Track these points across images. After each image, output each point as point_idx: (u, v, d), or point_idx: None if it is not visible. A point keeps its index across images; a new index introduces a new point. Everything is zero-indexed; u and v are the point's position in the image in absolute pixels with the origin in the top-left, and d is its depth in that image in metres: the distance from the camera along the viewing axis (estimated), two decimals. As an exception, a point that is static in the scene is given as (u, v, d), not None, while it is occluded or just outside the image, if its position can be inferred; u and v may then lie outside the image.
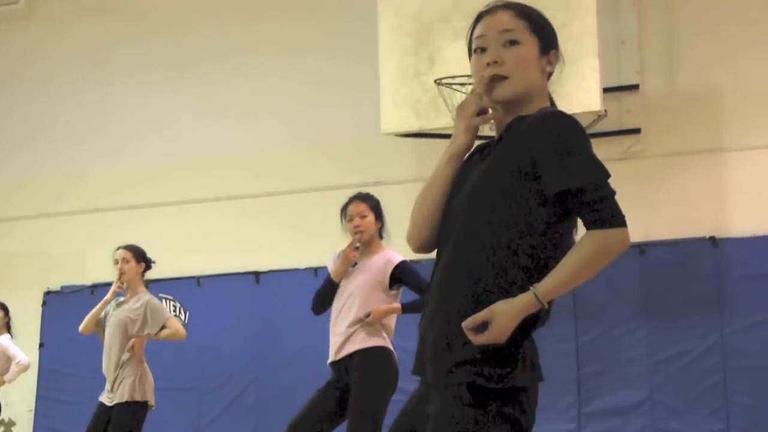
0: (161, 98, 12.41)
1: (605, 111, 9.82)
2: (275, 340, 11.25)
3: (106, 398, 8.56)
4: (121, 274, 8.71)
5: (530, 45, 3.19)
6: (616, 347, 10.29)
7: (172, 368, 10.87)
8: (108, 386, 8.54)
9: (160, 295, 11.83)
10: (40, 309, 12.51)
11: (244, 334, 11.52)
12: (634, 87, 10.63)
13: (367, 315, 6.85)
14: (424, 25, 9.97)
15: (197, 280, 11.85)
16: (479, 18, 3.27)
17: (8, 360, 10.77)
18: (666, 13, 10.80)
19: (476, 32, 3.24)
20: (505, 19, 3.20)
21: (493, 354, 2.94)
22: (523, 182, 3.01)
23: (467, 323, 2.89)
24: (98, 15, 12.87)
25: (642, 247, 10.32)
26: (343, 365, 6.86)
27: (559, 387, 10.09)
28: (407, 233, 3.30)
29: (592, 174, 2.97)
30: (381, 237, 7.14)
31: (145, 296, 8.70)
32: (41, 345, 12.36)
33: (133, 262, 8.76)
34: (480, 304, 2.95)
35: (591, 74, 9.50)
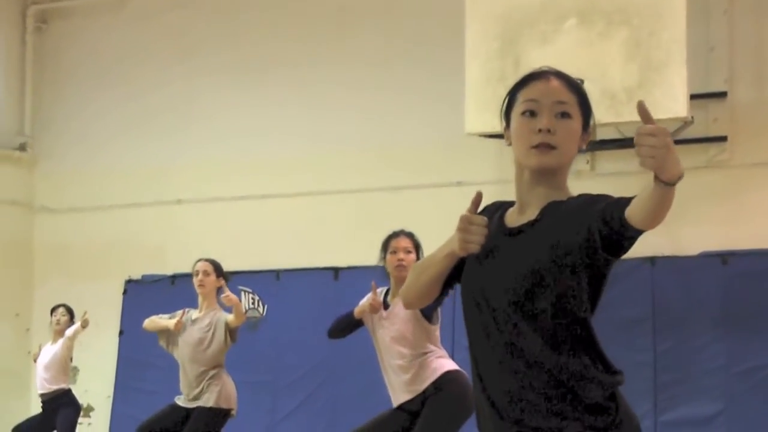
0: (247, 94, 12.48)
1: (692, 118, 9.74)
2: (352, 338, 11.22)
3: (183, 402, 8.64)
4: (200, 286, 8.77)
5: (577, 120, 3.19)
6: (695, 358, 10.18)
7: (248, 361, 10.95)
8: (187, 399, 8.62)
9: (239, 287, 11.93)
10: (120, 297, 12.67)
11: (321, 329, 11.46)
12: (722, 95, 10.51)
13: None
14: (511, 28, 9.95)
15: (276, 274, 11.92)
16: (528, 79, 3.24)
17: (66, 363, 10.82)
18: (757, 21, 10.66)
19: (527, 94, 3.20)
20: (559, 89, 3.19)
21: (596, 407, 3.04)
22: (572, 263, 3.01)
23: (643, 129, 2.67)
24: (189, 10, 12.98)
25: (724, 257, 10.21)
26: (418, 401, 6.88)
27: (636, 396, 9.97)
28: (402, 291, 3.44)
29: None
30: None
31: (217, 314, 8.72)
32: (121, 333, 12.52)
33: (213, 276, 8.79)
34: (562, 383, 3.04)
35: (678, 81, 9.44)
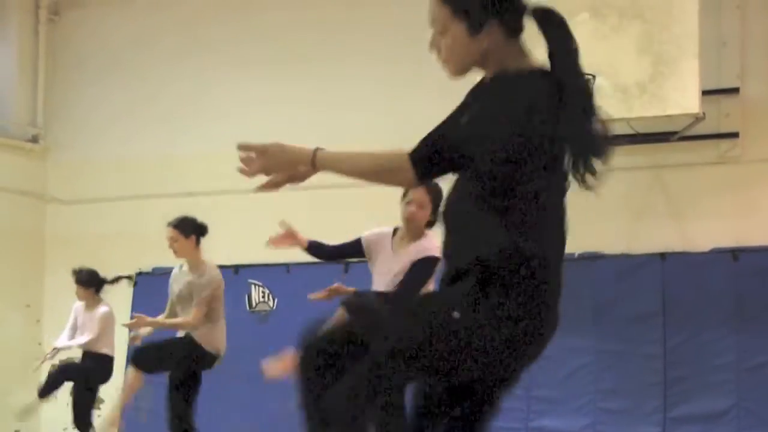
0: (259, 85, 12.45)
1: (703, 113, 9.71)
2: (362, 331, 11.27)
3: None
4: (175, 252, 8.77)
5: (456, 30, 3.33)
6: (705, 353, 10.17)
7: (258, 354, 10.93)
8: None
9: (249, 281, 11.95)
10: (131, 289, 12.67)
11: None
12: (734, 90, 10.48)
13: None
14: (523, 20, 9.93)
15: (287, 267, 11.90)
16: None
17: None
18: (770, 16, 10.64)
19: None
20: (432, 8, 3.37)
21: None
22: None
23: (240, 146, 3.43)
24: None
25: (735, 253, 10.18)
26: None
27: (645, 390, 10.00)
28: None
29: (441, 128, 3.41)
30: (430, 227, 7.01)
31: (209, 273, 8.76)
32: (131, 325, 12.52)
33: (181, 239, 8.70)
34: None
35: (690, 76, 9.41)
